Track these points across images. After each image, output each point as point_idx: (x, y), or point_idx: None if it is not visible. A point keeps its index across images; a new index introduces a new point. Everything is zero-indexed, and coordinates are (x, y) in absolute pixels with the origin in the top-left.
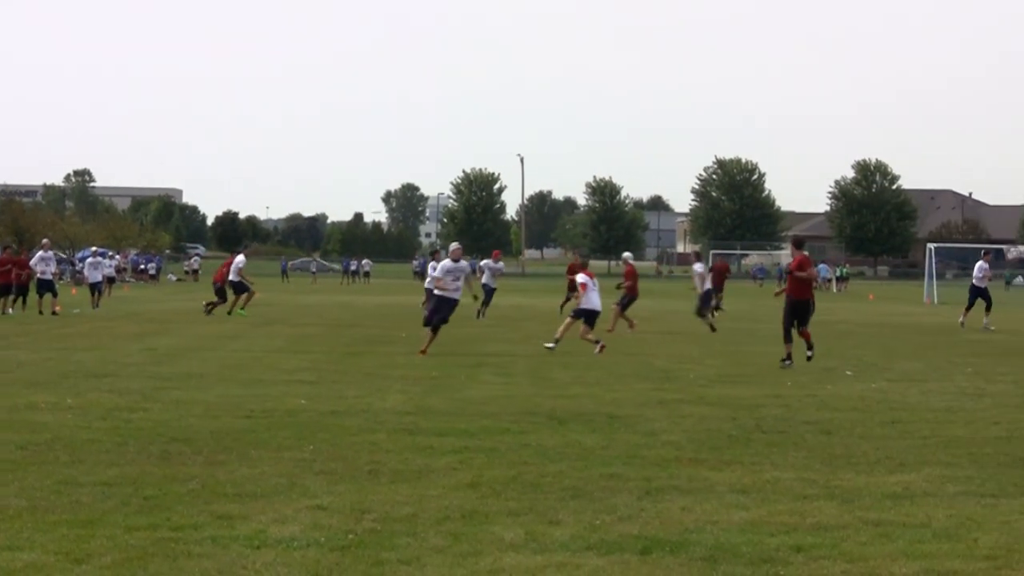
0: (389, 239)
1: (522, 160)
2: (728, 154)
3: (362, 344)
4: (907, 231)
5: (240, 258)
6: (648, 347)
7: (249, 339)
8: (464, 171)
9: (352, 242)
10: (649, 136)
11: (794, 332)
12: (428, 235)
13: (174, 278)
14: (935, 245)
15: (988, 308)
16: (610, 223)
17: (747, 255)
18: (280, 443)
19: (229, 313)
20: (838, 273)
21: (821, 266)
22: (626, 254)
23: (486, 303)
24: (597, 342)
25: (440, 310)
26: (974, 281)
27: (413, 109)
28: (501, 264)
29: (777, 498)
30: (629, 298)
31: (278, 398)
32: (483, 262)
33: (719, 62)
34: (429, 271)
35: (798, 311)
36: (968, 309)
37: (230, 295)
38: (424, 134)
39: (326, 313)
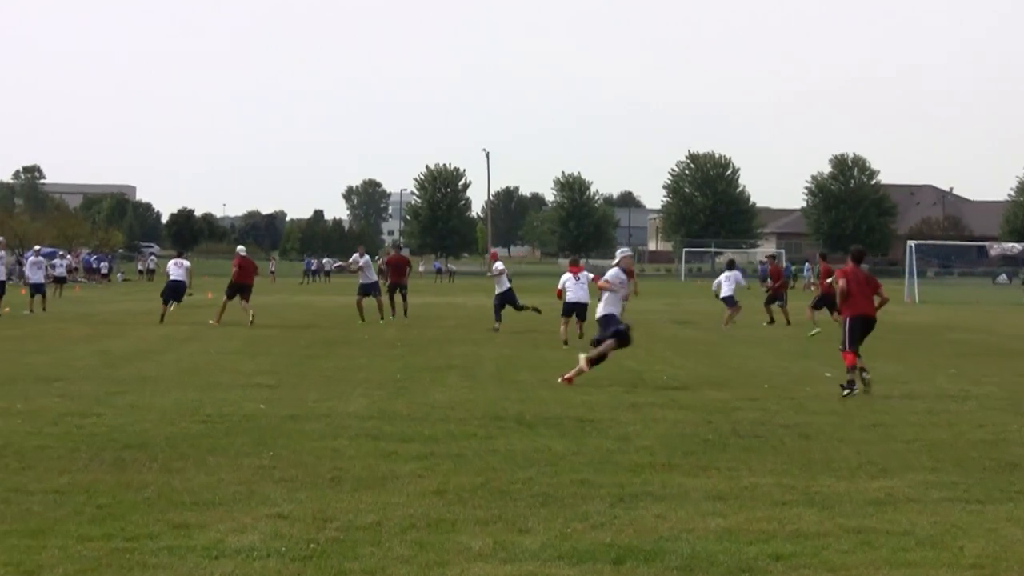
0: (351, 237)
1: (488, 155)
2: (701, 148)
3: (321, 346)
4: (887, 227)
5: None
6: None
7: (204, 341)
8: (428, 167)
9: (312, 240)
10: (619, 130)
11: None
12: (391, 232)
13: (122, 277)
14: (916, 242)
15: None
16: (579, 220)
17: (721, 253)
18: (238, 449)
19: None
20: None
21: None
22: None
23: None
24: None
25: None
26: None
27: (374, 103)
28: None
29: (755, 505)
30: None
31: (236, 402)
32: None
33: (691, 54)
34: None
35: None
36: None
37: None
38: (386, 128)
39: (284, 314)
